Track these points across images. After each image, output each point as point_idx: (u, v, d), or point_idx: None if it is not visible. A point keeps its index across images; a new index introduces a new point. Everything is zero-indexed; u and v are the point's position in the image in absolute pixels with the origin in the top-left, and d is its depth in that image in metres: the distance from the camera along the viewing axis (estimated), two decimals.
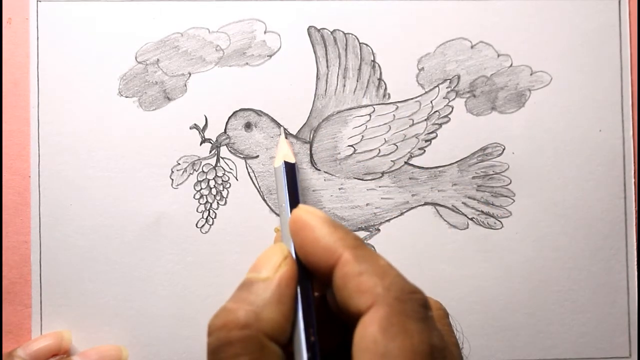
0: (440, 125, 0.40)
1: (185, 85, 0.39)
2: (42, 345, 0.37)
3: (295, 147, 0.40)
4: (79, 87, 0.39)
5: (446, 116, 0.40)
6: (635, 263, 0.40)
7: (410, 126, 0.40)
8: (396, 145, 0.40)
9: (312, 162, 0.40)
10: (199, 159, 0.39)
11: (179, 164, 0.39)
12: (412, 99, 0.40)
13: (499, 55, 0.40)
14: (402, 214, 0.40)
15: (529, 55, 0.40)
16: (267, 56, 0.40)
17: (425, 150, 0.40)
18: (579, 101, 0.40)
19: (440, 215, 0.40)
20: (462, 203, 0.40)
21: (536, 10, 0.40)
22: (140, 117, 0.39)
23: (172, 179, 0.39)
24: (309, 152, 0.40)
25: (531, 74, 0.40)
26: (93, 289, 0.39)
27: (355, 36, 0.40)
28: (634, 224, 0.40)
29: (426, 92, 0.40)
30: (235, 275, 0.39)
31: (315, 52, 0.40)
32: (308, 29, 0.40)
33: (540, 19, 0.40)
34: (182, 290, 0.39)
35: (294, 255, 0.27)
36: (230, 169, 0.39)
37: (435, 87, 0.40)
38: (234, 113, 0.39)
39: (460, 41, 0.40)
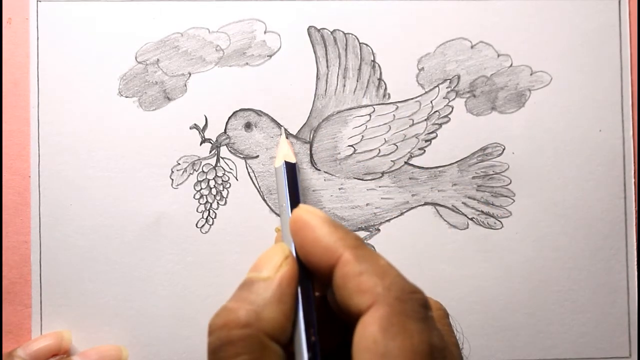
0: (440, 125, 0.40)
1: (185, 85, 0.39)
2: (42, 345, 0.37)
3: (295, 147, 0.40)
4: (79, 87, 0.39)
5: (446, 116, 0.40)
6: (635, 263, 0.40)
7: (410, 126, 0.40)
8: (396, 145, 0.40)
9: (312, 162, 0.40)
10: (199, 159, 0.39)
11: (179, 164, 0.39)
12: (412, 99, 0.40)
13: (499, 55, 0.40)
14: (402, 214, 0.40)
15: (529, 55, 0.40)
16: (267, 56, 0.40)
17: (425, 150, 0.40)
18: (579, 101, 0.40)
19: (440, 215, 0.40)
20: (462, 203, 0.40)
21: (536, 10, 0.40)
22: (140, 117, 0.39)
23: (172, 179, 0.39)
24: (309, 152, 0.40)
25: (531, 74, 0.40)
26: (93, 289, 0.39)
27: (355, 36, 0.40)
28: (634, 224, 0.40)
29: (426, 92, 0.40)
30: (235, 275, 0.39)
31: (315, 52, 0.40)
32: (308, 29, 0.40)
33: (540, 19, 0.40)
34: (182, 290, 0.39)
35: (294, 255, 0.27)
36: (230, 169, 0.39)
37: (435, 87, 0.40)
38: (234, 113, 0.39)
39: (460, 41, 0.40)
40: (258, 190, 0.39)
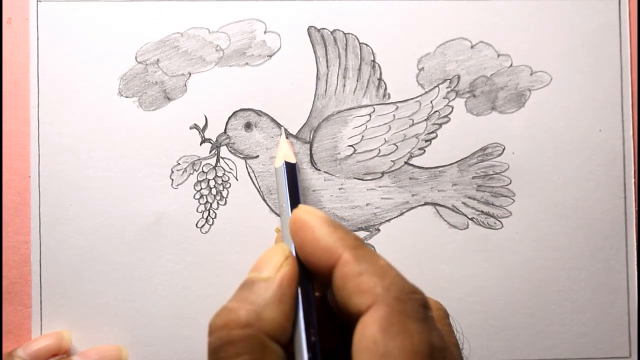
0: (440, 125, 0.40)
1: (185, 85, 0.39)
2: (42, 345, 0.37)
3: (295, 147, 0.40)
4: (79, 87, 0.39)
5: (446, 116, 0.40)
6: (635, 263, 0.40)
7: (410, 126, 0.40)
8: (396, 145, 0.40)
9: (312, 162, 0.40)
10: (199, 159, 0.39)
11: (179, 164, 0.39)
12: (412, 99, 0.40)
13: (499, 55, 0.40)
14: (402, 214, 0.40)
15: (529, 55, 0.40)
16: (267, 56, 0.40)
17: (425, 150, 0.40)
18: (579, 101, 0.40)
19: (440, 215, 0.40)
20: (462, 203, 0.40)
21: (536, 10, 0.40)
22: (140, 117, 0.39)
23: (172, 179, 0.39)
24: (309, 152, 0.40)
25: (531, 74, 0.40)
26: (93, 289, 0.39)
27: (355, 36, 0.40)
28: (634, 224, 0.40)
29: (426, 92, 0.40)
30: (235, 275, 0.39)
31: (315, 52, 0.40)
32: (308, 29, 0.40)
33: (540, 19, 0.40)
34: (182, 290, 0.39)
35: (295, 256, 0.27)
36: (230, 169, 0.39)
37: (435, 87, 0.40)
38: (234, 113, 0.39)
39: (460, 41, 0.40)
40: (258, 190, 0.39)
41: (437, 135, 0.40)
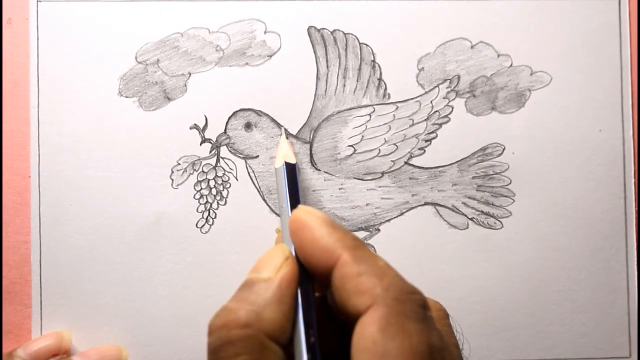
0: (440, 125, 0.40)
1: (185, 85, 0.39)
2: (42, 345, 0.37)
3: (295, 147, 0.40)
4: (79, 87, 0.39)
5: (446, 116, 0.40)
6: (635, 263, 0.40)
7: (410, 126, 0.40)
8: (396, 145, 0.40)
9: (312, 162, 0.40)
10: (199, 159, 0.39)
11: (179, 164, 0.39)
12: (412, 99, 0.40)
13: (499, 55, 0.40)
14: (402, 214, 0.40)
15: (529, 55, 0.40)
16: (267, 56, 0.40)
17: (425, 150, 0.40)
18: (579, 101, 0.40)
19: (440, 215, 0.40)
20: (462, 203, 0.40)
21: (536, 10, 0.40)
22: (140, 117, 0.39)
23: (172, 179, 0.39)
24: (309, 152, 0.40)
25: (531, 74, 0.40)
26: (93, 289, 0.39)
27: (355, 36, 0.40)
28: (634, 224, 0.40)
29: (426, 92, 0.40)
30: (235, 275, 0.39)
31: (315, 52, 0.40)
32: (308, 29, 0.40)
33: (540, 19, 0.40)
34: (182, 290, 0.39)
35: (294, 256, 0.27)
36: (230, 169, 0.39)
37: (435, 87, 0.40)
38: (234, 113, 0.39)
39: (460, 41, 0.40)
40: (258, 191, 0.39)
41: (437, 135, 0.40)
